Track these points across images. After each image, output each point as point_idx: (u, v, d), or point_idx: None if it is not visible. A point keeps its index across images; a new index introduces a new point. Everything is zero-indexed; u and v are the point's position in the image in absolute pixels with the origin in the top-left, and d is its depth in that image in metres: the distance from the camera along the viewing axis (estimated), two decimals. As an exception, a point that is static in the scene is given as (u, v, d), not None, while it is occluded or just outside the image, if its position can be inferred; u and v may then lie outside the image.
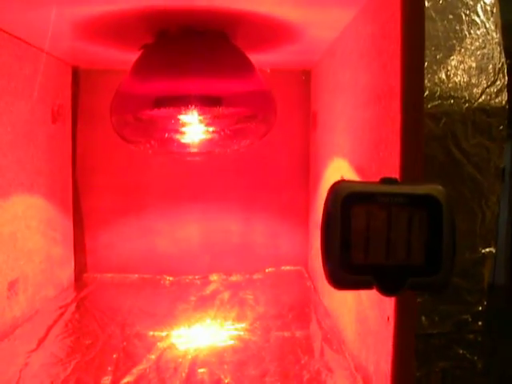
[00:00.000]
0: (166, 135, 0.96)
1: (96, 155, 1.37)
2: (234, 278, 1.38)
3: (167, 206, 1.39)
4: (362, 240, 0.55)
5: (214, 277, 1.38)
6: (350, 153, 0.93)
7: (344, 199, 0.54)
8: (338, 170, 1.04)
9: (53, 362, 0.92)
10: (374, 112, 0.78)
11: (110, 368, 0.89)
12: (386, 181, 0.56)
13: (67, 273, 1.30)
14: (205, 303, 1.20)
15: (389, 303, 0.69)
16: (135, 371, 0.88)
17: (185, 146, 0.98)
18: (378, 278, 0.55)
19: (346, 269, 0.54)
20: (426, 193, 0.55)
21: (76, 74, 1.35)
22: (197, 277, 1.38)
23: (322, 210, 0.54)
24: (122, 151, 1.36)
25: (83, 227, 1.39)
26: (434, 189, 0.55)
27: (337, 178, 0.98)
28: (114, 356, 0.92)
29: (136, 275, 1.39)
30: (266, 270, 1.41)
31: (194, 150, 0.99)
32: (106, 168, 1.38)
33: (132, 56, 0.96)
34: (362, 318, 0.84)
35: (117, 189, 1.39)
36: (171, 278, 1.38)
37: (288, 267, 1.41)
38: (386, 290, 0.55)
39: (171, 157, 1.34)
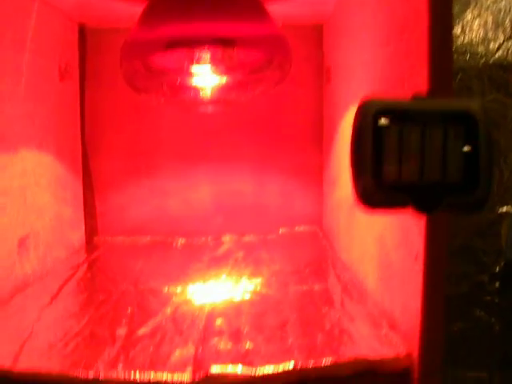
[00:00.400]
0: (178, 81, 0.93)
1: (105, 115, 1.34)
2: (247, 238, 1.35)
3: (178, 166, 1.36)
4: (395, 157, 0.52)
5: (226, 238, 1.35)
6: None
7: (375, 114, 0.51)
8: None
9: (66, 315, 0.90)
10: (396, 48, 0.75)
11: (124, 320, 0.86)
12: (419, 98, 0.53)
13: (78, 235, 1.28)
14: (219, 262, 1.18)
15: (417, 240, 0.66)
16: (151, 323, 0.86)
17: (198, 94, 0.95)
18: (412, 196, 0.52)
19: (380, 187, 0.51)
20: (461, 108, 0.52)
21: (83, 32, 1.32)
22: (209, 238, 1.34)
23: (352, 127, 0.51)
24: (132, 111, 1.33)
25: (93, 190, 1.36)
26: (469, 103, 0.52)
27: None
28: (129, 310, 0.90)
29: (147, 237, 1.35)
30: (280, 231, 1.37)
31: (207, 98, 0.95)
32: (116, 128, 1.35)
33: (139, 10, 0.92)
34: (386, 263, 0.81)
35: (127, 150, 1.36)
36: (183, 240, 1.34)
37: (302, 227, 1.38)
38: (421, 209, 0.52)
39: (182, 115, 1.32)
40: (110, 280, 1.08)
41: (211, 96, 0.96)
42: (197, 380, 0.67)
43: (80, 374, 0.68)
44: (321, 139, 1.37)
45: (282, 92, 1.31)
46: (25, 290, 0.99)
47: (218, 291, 1.01)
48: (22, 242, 0.99)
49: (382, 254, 0.84)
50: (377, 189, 0.52)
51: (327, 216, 1.33)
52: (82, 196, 1.32)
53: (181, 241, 1.35)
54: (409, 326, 0.70)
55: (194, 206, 1.38)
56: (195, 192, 1.38)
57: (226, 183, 1.38)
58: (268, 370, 0.67)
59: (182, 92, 0.95)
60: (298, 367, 0.68)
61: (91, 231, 1.36)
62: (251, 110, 1.33)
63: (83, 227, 1.32)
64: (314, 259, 1.19)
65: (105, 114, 1.35)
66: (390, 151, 0.52)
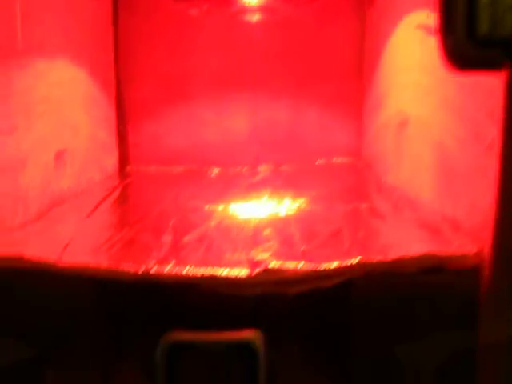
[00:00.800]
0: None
1: (138, 42, 1.30)
2: (283, 168, 1.29)
3: (214, 94, 1.32)
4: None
5: (263, 167, 1.30)
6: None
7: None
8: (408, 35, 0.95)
9: (106, 225, 0.87)
10: None
11: (168, 230, 0.81)
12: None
13: (111, 161, 1.24)
14: (257, 187, 1.13)
15: (490, 130, 0.61)
16: (196, 233, 0.82)
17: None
18: (508, 53, 0.47)
19: (472, 42, 0.47)
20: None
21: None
22: (245, 168, 1.30)
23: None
24: (166, 37, 1.29)
25: (125, 118, 1.32)
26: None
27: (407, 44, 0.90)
28: (171, 222, 0.86)
29: (181, 167, 1.31)
30: (317, 162, 1.32)
31: (253, 6, 0.90)
32: (150, 55, 1.30)
33: None
34: (447, 168, 0.78)
35: (161, 77, 1.32)
36: (218, 169, 1.29)
37: (340, 158, 1.32)
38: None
39: (221, 35, 1.26)
40: (148, 201, 1.04)
41: (256, 4, 0.90)
42: (255, 275, 0.63)
43: (130, 268, 0.64)
44: (361, 67, 1.31)
45: (323, 17, 1.26)
46: (61, 204, 0.95)
47: (261, 209, 0.96)
48: (59, 156, 0.96)
49: (441, 160, 0.80)
50: (469, 47, 0.48)
51: (367, 146, 1.28)
52: (115, 121, 1.27)
53: (216, 170, 1.29)
54: (477, 225, 0.66)
55: (229, 136, 1.34)
56: (231, 121, 1.34)
57: (262, 112, 1.33)
58: (332, 265, 0.63)
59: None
60: (363, 261, 0.63)
61: (123, 161, 1.32)
62: (289, 38, 1.27)
63: (116, 153, 1.27)
64: (356, 185, 1.15)
65: (138, 40, 1.30)
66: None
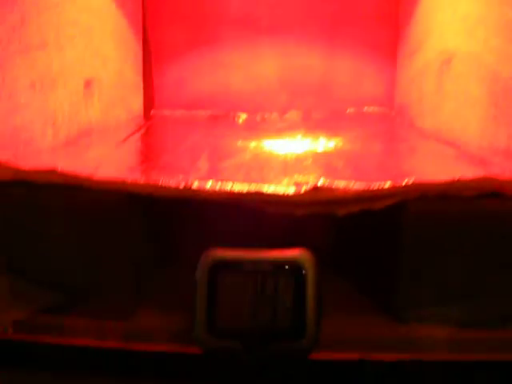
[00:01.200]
0: None
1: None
2: (313, 116, 1.25)
3: (243, 37, 1.27)
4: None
5: (292, 114, 1.25)
6: None
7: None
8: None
9: (137, 153, 0.82)
10: None
11: (203, 158, 0.77)
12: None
13: (137, 103, 1.20)
14: (289, 129, 1.09)
15: None
16: (232, 161, 0.78)
17: None
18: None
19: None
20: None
21: None
22: (273, 114, 1.25)
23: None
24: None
25: (150, 61, 1.27)
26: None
27: None
28: (205, 153, 0.81)
29: (207, 112, 1.26)
30: (348, 110, 1.27)
31: None
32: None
33: None
34: (501, 95, 0.72)
35: (187, 19, 1.27)
36: (245, 115, 1.24)
37: (372, 108, 1.28)
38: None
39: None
40: (177, 136, 1.00)
41: None
42: (303, 192, 0.59)
43: (171, 183, 0.61)
44: (396, 12, 1.25)
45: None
46: (90, 135, 0.91)
47: (296, 146, 0.92)
48: (88, 84, 0.93)
49: (493, 92, 0.76)
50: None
51: (401, 94, 1.23)
52: (141, 62, 1.22)
53: (243, 116, 1.25)
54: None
55: (257, 81, 1.30)
56: (259, 65, 1.29)
57: (292, 57, 1.29)
58: (385, 184, 0.59)
59: None
60: (419, 182, 0.59)
61: (148, 104, 1.27)
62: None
63: (142, 95, 1.23)
64: (392, 129, 1.10)
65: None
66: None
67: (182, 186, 0.60)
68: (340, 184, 0.59)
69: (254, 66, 1.28)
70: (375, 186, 0.59)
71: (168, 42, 1.27)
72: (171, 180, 0.61)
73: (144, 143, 0.92)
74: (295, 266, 0.56)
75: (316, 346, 0.57)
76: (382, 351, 0.62)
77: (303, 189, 0.59)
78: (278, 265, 0.56)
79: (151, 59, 1.28)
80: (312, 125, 1.13)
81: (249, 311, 0.57)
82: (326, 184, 0.59)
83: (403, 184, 0.59)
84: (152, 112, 1.28)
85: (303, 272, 0.55)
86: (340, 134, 0.99)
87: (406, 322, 0.63)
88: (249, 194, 0.59)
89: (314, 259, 0.56)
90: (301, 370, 0.61)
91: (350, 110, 1.28)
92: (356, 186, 0.59)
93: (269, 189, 0.59)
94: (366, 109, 1.28)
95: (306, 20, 1.26)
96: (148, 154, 0.84)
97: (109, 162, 0.73)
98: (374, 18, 1.26)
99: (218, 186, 0.60)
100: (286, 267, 0.56)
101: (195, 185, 0.60)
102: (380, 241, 0.66)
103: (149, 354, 0.63)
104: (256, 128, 1.12)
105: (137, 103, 1.19)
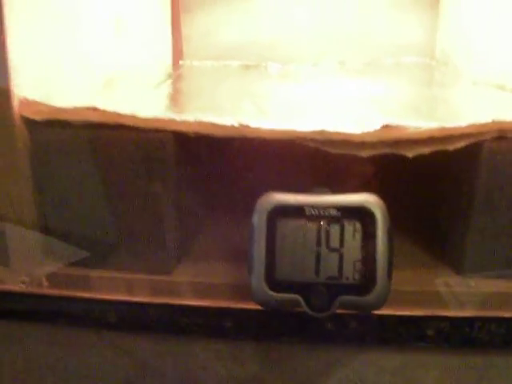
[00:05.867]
0: None
1: None
2: (349, 66, 1.18)
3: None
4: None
5: (327, 63, 1.18)
6: None
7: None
8: None
9: (178, 96, 0.76)
10: None
11: (245, 98, 0.71)
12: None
13: (166, 51, 1.14)
14: (326, 77, 1.02)
15: None
16: (277, 101, 0.72)
17: None
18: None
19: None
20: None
21: None
22: (307, 64, 1.18)
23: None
24: None
25: (178, 10, 1.20)
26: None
27: None
28: (245, 95, 0.75)
29: (238, 62, 1.19)
30: (385, 60, 1.20)
31: None
32: None
33: None
34: None
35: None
36: (278, 65, 1.18)
37: (411, 57, 1.20)
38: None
39: None
40: (211, 82, 0.94)
41: None
42: (372, 132, 0.53)
43: (223, 121, 0.55)
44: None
45: None
46: (121, 79, 0.85)
47: (340, 90, 0.86)
48: (118, 26, 0.85)
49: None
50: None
51: (443, 43, 1.15)
52: (170, 9, 1.15)
53: (275, 65, 1.18)
54: None
55: (290, 30, 1.22)
56: (291, 14, 1.21)
57: (326, 3, 1.20)
58: (461, 123, 0.53)
59: None
60: (498, 121, 0.53)
61: (176, 55, 1.21)
62: None
63: (170, 44, 1.16)
64: (437, 79, 1.03)
65: None
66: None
67: (237, 124, 0.54)
68: (411, 123, 0.53)
69: (285, 14, 1.21)
70: (450, 125, 0.52)
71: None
72: (223, 118, 0.54)
73: (178, 88, 0.86)
74: (364, 212, 0.50)
75: (385, 302, 0.51)
76: (447, 307, 0.57)
77: (372, 128, 0.53)
78: (344, 210, 0.50)
79: (179, 8, 1.20)
80: (351, 73, 1.05)
81: (311, 262, 0.50)
82: (396, 123, 0.53)
83: (481, 123, 0.52)
84: (181, 63, 1.21)
85: (374, 218, 0.49)
86: (382, 81, 0.92)
87: (471, 277, 0.58)
88: (312, 134, 0.53)
89: (384, 205, 0.50)
90: (366, 326, 0.56)
91: (388, 60, 1.20)
92: (429, 125, 0.53)
93: (333, 128, 0.53)
94: (404, 58, 1.20)
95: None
96: (184, 97, 0.78)
97: (150, 104, 0.67)
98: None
99: (277, 125, 0.54)
100: (354, 213, 0.50)
101: (252, 124, 0.54)
102: (450, 186, 0.60)
103: (197, 309, 0.58)
104: (291, 76, 1.05)
105: (165, 53, 1.12)
